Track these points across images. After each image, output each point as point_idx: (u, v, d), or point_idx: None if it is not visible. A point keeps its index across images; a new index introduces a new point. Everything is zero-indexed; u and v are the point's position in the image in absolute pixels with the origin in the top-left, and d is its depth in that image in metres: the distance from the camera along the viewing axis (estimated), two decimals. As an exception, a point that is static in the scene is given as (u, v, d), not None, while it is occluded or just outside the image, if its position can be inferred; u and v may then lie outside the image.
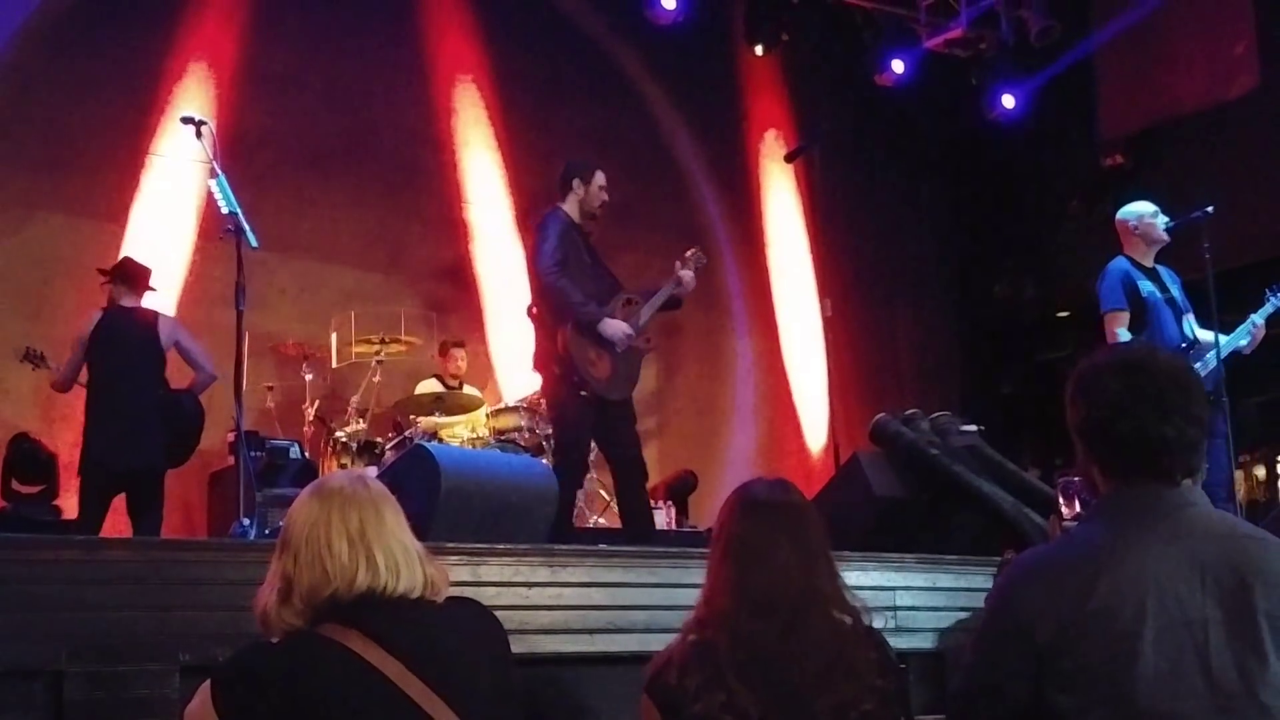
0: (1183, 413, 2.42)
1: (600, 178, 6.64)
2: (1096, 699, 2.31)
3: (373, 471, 6.92)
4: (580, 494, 8.98)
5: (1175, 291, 6.75)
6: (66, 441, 7.97)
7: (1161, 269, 6.82)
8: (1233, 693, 2.28)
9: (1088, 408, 2.48)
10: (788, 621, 2.64)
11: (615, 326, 6.44)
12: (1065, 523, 4.69)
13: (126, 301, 7.34)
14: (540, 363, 6.65)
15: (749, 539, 2.73)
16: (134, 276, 7.43)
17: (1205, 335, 6.63)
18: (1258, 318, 6.74)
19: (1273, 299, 6.82)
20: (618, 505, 6.62)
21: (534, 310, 6.61)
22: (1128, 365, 2.49)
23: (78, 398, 7.39)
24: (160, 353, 7.27)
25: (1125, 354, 2.56)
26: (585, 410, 6.44)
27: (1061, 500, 4.84)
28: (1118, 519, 2.44)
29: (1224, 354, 6.48)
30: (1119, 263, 6.74)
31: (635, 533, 6.47)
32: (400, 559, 2.45)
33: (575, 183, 6.60)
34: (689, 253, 6.88)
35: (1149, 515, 2.41)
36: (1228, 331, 6.63)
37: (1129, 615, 2.31)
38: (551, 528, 6.46)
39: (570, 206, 6.60)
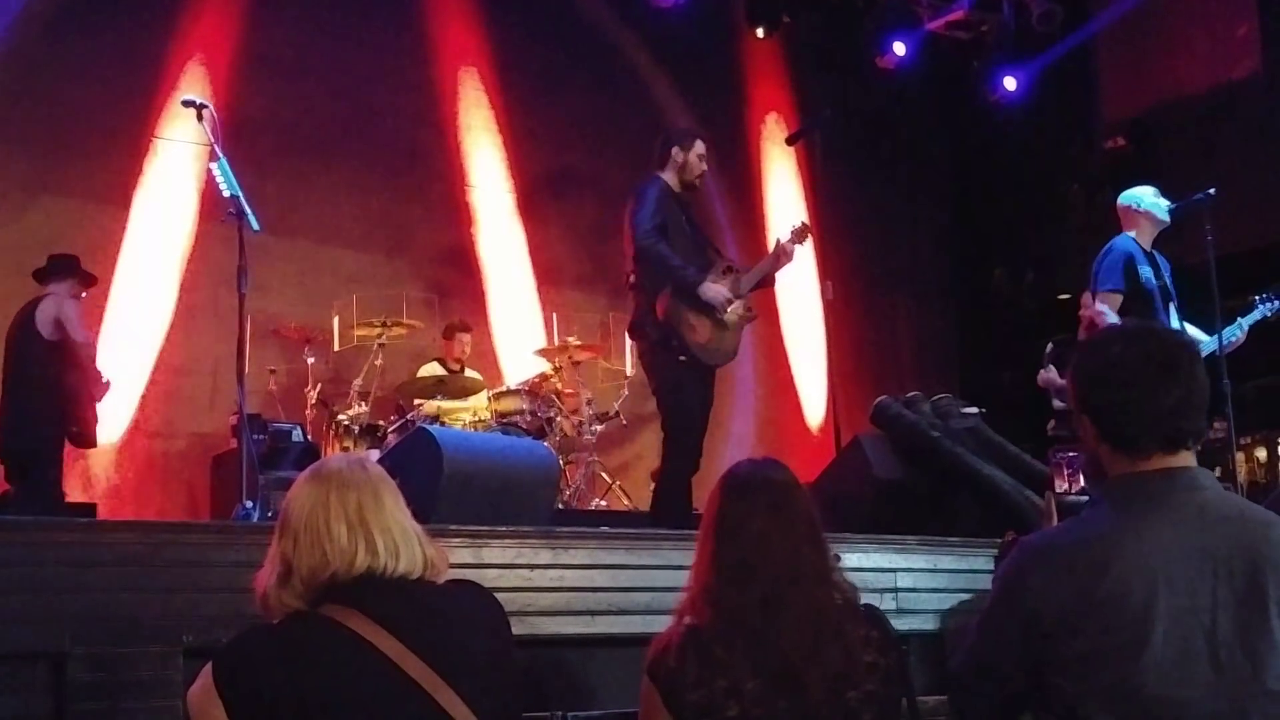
0: (1189, 374, 2.43)
1: (700, 147, 6.45)
2: (1101, 685, 2.30)
3: (375, 454, 6.93)
4: (580, 475, 9.00)
5: (1167, 278, 6.67)
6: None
7: (1155, 254, 6.75)
8: (1240, 679, 2.28)
9: (1097, 379, 2.48)
10: (767, 592, 2.64)
11: (715, 290, 6.21)
12: (1065, 498, 4.67)
13: (48, 290, 7.46)
14: (637, 331, 6.47)
15: (728, 514, 2.75)
16: (56, 268, 7.52)
17: (1186, 327, 6.54)
18: (1245, 322, 6.61)
19: (1261, 306, 6.69)
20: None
21: (631, 278, 6.40)
22: (1130, 334, 2.55)
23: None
24: (35, 334, 7.33)
25: (1125, 327, 2.61)
26: (686, 376, 6.26)
27: (1064, 473, 4.82)
28: (1128, 503, 2.42)
29: (1204, 355, 6.40)
30: (1125, 242, 6.55)
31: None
32: (399, 540, 2.45)
33: (675, 150, 6.41)
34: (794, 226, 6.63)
35: (1159, 499, 2.40)
36: (1226, 319, 6.55)
37: (1139, 603, 2.30)
38: (669, 507, 6.20)
39: (669, 175, 6.41)
